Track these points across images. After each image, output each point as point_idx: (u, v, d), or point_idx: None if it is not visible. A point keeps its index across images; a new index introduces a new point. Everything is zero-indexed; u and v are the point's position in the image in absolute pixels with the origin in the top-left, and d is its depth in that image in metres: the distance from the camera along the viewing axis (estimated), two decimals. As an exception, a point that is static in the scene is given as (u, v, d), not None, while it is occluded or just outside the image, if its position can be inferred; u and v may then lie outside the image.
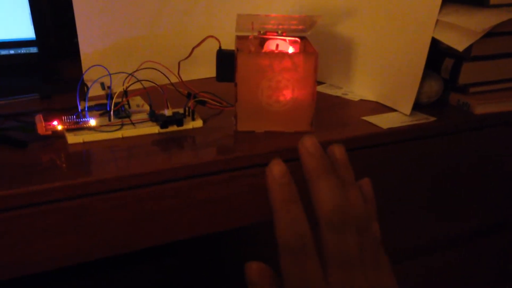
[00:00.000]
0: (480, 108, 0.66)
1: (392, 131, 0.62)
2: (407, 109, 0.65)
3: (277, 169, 0.27)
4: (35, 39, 0.78)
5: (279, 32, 0.64)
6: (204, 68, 0.77)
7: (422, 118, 0.64)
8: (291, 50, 0.63)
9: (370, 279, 0.28)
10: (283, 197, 0.27)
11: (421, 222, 0.72)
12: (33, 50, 0.78)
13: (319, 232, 0.27)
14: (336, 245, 0.27)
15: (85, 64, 0.69)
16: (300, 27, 0.63)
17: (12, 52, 0.77)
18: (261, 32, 0.64)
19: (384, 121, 0.63)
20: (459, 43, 0.60)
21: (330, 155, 0.29)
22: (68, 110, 0.62)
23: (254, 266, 0.28)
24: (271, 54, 0.60)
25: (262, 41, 0.64)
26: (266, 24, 0.63)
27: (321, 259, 0.27)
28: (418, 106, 0.66)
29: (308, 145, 0.27)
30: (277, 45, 0.63)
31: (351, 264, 0.27)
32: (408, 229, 0.71)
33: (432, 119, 0.64)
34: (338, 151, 0.29)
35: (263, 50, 0.63)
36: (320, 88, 0.76)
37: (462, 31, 0.59)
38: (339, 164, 0.29)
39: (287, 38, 0.63)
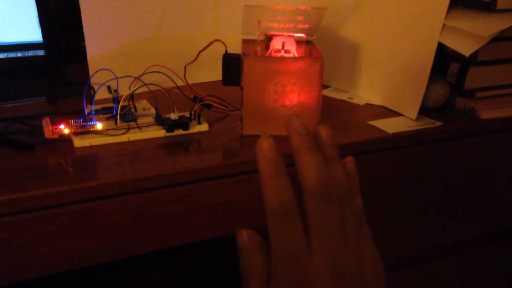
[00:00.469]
0: (487, 113, 0.66)
1: (398, 136, 0.62)
2: (413, 113, 0.65)
3: (266, 144, 0.29)
4: (42, 41, 0.78)
5: (285, 34, 0.64)
6: (210, 71, 0.78)
7: (428, 123, 0.64)
8: (295, 47, 0.63)
9: (351, 245, 0.30)
10: (271, 169, 0.29)
11: (428, 227, 0.71)
12: (40, 52, 0.78)
13: (303, 202, 0.29)
14: (319, 213, 0.29)
15: (92, 67, 0.69)
16: (306, 25, 0.63)
17: (19, 54, 0.77)
18: (267, 35, 0.63)
19: (389, 125, 0.63)
20: (465, 48, 0.59)
21: (316, 135, 0.32)
22: (75, 113, 0.62)
23: (245, 233, 0.31)
24: (277, 58, 0.60)
25: (268, 38, 0.64)
26: (273, 21, 0.63)
27: (305, 226, 0.29)
28: (424, 111, 0.66)
29: (296, 125, 0.29)
30: (283, 43, 0.63)
31: (332, 231, 0.29)
32: (415, 233, 0.71)
33: (438, 123, 0.64)
34: (323, 131, 0.31)
35: (269, 49, 0.63)
36: (325, 92, 0.76)
37: (469, 36, 0.59)
38: (325, 142, 0.31)
39: (294, 34, 0.63)
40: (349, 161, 0.33)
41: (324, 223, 0.29)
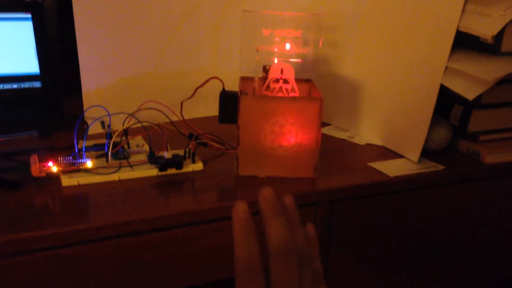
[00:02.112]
0: (491, 157, 0.63)
1: (399, 179, 0.59)
2: (415, 156, 0.63)
3: (240, 207, 0.33)
4: (39, 73, 0.77)
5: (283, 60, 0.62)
6: (207, 106, 0.76)
7: (431, 166, 0.62)
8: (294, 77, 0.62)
9: None
10: (243, 230, 0.33)
11: (428, 273, 0.69)
12: (37, 84, 0.77)
13: (268, 261, 0.33)
14: (279, 270, 0.33)
15: (86, 102, 0.68)
16: (305, 50, 0.62)
17: (15, 86, 0.76)
18: (267, 68, 0.62)
19: (391, 168, 0.61)
20: (469, 92, 0.58)
21: (281, 202, 0.37)
22: (66, 149, 0.61)
23: None
24: (275, 98, 0.59)
25: (266, 72, 0.62)
26: (272, 44, 0.62)
27: (268, 283, 0.33)
28: (426, 153, 0.64)
29: (265, 194, 0.34)
30: (282, 70, 0.61)
31: (290, 287, 0.33)
32: (414, 280, 0.68)
33: (440, 167, 0.62)
34: (288, 200, 0.37)
35: (268, 79, 0.61)
36: (325, 130, 0.74)
37: (473, 79, 0.58)
38: (289, 209, 0.37)
39: (292, 60, 0.62)
40: (310, 228, 0.38)
41: (283, 280, 0.33)
